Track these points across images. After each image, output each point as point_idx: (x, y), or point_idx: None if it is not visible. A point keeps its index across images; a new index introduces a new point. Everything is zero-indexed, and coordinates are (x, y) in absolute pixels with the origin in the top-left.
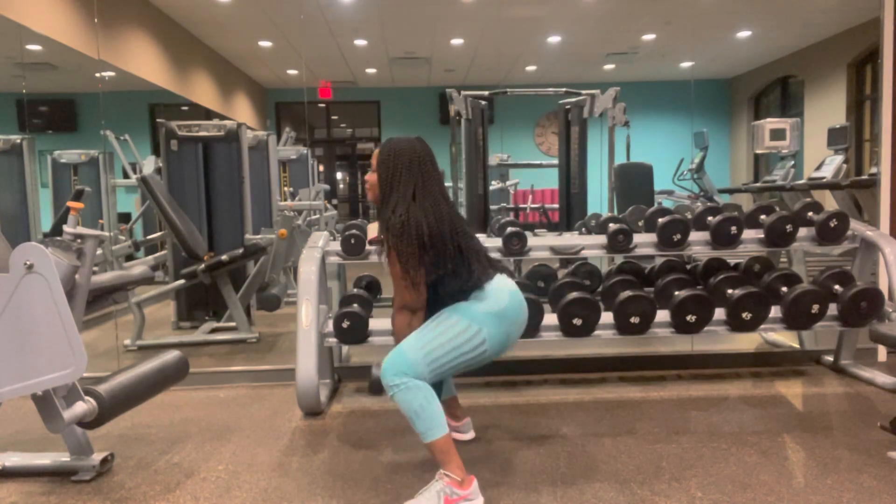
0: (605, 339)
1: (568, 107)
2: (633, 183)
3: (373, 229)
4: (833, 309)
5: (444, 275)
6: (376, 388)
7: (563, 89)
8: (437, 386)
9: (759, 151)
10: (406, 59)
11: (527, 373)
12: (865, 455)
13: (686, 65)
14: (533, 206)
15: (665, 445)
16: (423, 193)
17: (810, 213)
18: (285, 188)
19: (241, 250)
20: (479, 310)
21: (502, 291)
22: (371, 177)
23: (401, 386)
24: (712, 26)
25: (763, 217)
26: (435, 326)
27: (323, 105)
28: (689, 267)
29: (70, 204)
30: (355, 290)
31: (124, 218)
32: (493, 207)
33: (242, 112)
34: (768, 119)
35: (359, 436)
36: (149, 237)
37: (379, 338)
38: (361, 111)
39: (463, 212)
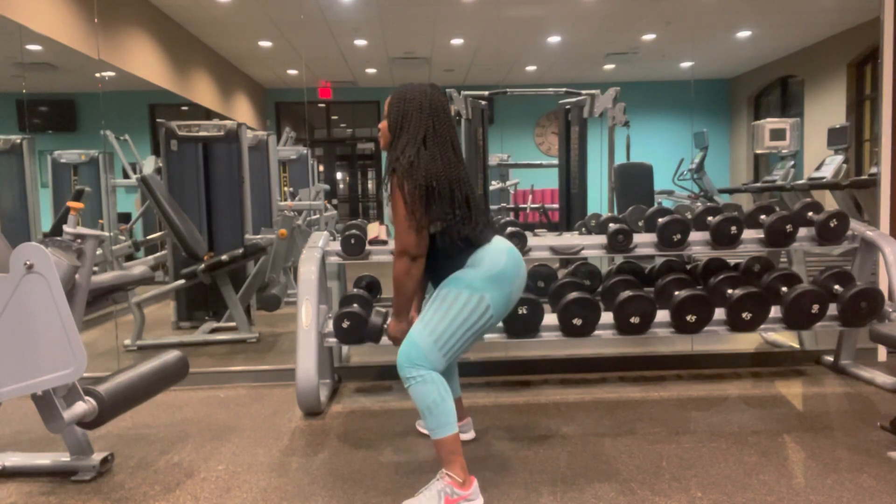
0: (605, 339)
1: (568, 107)
2: (633, 183)
3: (373, 229)
4: (833, 309)
5: (451, 223)
6: (373, 336)
7: (563, 89)
8: (449, 382)
9: (759, 151)
10: (406, 59)
11: (527, 373)
12: (865, 455)
13: (686, 65)
14: (533, 206)
15: (665, 445)
16: (434, 139)
17: (810, 213)
18: (285, 188)
19: (241, 250)
20: (477, 276)
21: (499, 252)
22: (383, 123)
23: (417, 379)
24: (712, 26)
25: (763, 217)
26: (437, 308)
27: (323, 105)
28: (689, 267)
29: (70, 204)
30: (355, 290)
31: (124, 218)
32: (493, 207)
33: (242, 112)
34: (768, 119)
35: (359, 436)
36: (149, 237)
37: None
38: (361, 111)
39: None
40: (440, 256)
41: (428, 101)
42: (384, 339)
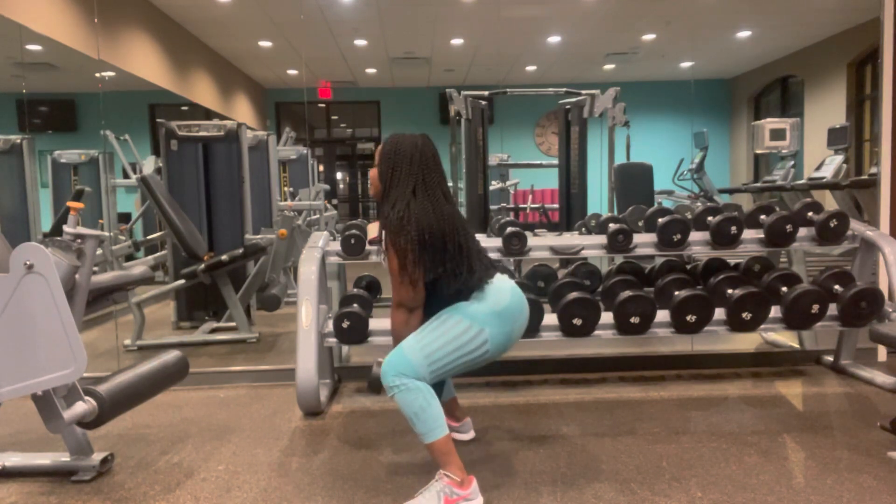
0: (605, 339)
1: (568, 107)
2: (633, 183)
3: (373, 229)
4: (833, 309)
5: (443, 274)
6: (375, 387)
7: (563, 89)
8: (438, 387)
9: (759, 151)
10: (406, 59)
11: (527, 373)
12: (865, 455)
13: (686, 65)
14: (533, 206)
15: (665, 445)
16: (424, 191)
17: (810, 213)
18: (285, 188)
19: (241, 250)
20: (481, 309)
21: (503, 290)
22: (373, 172)
23: (401, 387)
24: (712, 26)
25: (763, 217)
26: (436, 327)
27: (323, 105)
28: (689, 267)
29: (70, 204)
30: (355, 290)
31: (124, 218)
32: (493, 207)
33: (242, 112)
34: (768, 119)
35: (359, 436)
36: (149, 237)
37: (379, 338)
38: (361, 111)
39: (463, 212)
40: (440, 301)
41: (419, 152)
42: None
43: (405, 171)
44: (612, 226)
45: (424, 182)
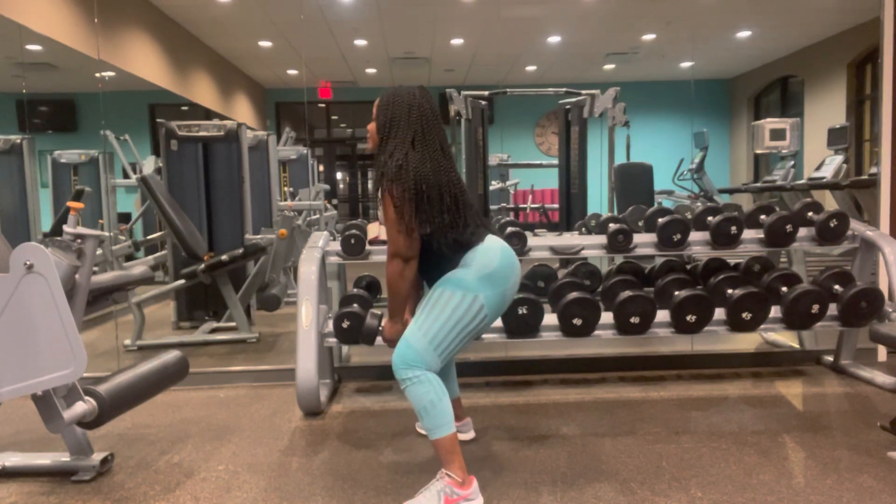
0: (605, 339)
1: (568, 107)
2: (633, 183)
3: (373, 229)
4: (833, 309)
5: (439, 226)
6: (368, 339)
7: (563, 89)
8: (447, 382)
9: (759, 151)
10: (406, 59)
11: (527, 373)
12: (865, 455)
13: (686, 65)
14: (533, 206)
15: (665, 445)
16: (423, 142)
17: (810, 213)
18: (285, 188)
19: (241, 250)
20: (471, 276)
21: (492, 251)
22: (371, 126)
23: (413, 379)
24: (712, 26)
25: (763, 217)
26: (431, 308)
27: (323, 105)
28: (689, 267)
29: (70, 204)
30: (355, 290)
31: (124, 218)
32: (493, 207)
33: (242, 112)
34: (768, 119)
35: (359, 436)
36: (149, 237)
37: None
38: (361, 111)
39: None
40: (432, 257)
41: (417, 104)
42: (378, 341)
43: (403, 122)
44: (612, 226)
45: (423, 133)
